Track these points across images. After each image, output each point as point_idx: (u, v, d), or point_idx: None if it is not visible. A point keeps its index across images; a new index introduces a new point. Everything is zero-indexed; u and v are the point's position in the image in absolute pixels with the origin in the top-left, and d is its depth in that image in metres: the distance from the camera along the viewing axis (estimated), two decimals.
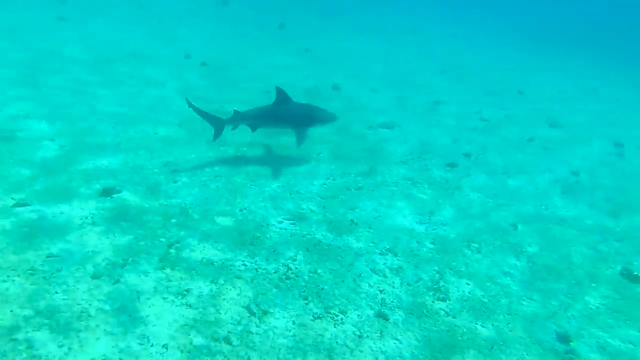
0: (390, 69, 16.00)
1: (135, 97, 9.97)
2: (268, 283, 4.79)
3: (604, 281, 5.64)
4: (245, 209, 6.12)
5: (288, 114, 7.32)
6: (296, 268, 5.05)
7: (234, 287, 4.66)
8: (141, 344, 3.82)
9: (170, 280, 4.63)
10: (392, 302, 4.83)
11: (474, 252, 5.95)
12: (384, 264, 5.43)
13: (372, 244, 5.76)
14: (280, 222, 5.90)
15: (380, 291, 4.96)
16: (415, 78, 15.21)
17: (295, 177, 7.20)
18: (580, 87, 16.89)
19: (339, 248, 5.54)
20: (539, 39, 26.38)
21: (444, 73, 16.20)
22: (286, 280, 4.84)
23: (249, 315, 4.34)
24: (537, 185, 8.17)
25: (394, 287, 5.06)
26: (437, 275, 5.37)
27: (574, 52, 23.90)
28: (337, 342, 4.16)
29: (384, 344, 4.26)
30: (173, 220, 5.64)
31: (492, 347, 4.41)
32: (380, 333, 4.38)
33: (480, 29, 26.24)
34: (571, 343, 4.59)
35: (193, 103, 7.25)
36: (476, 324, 4.71)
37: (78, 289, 4.33)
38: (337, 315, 4.46)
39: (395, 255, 5.62)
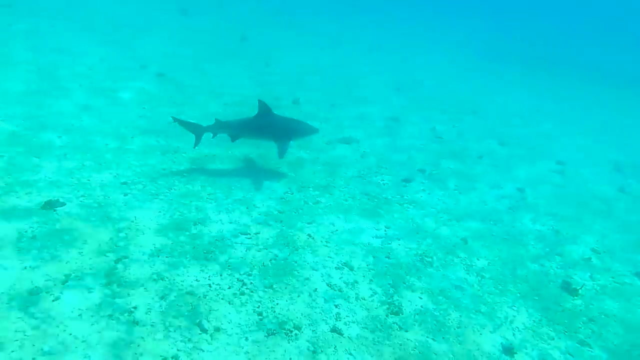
0: (349, 85, 16.29)
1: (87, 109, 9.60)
2: (221, 299, 4.70)
3: (546, 294, 5.93)
4: (199, 222, 6.00)
5: (269, 126, 7.41)
6: (251, 283, 4.99)
7: (186, 304, 4.54)
8: None
9: (115, 297, 4.44)
10: (347, 316, 4.86)
11: (426, 266, 6.10)
12: (340, 278, 5.47)
13: (328, 258, 5.79)
14: (236, 237, 5.82)
15: (336, 306, 4.98)
16: (374, 95, 15.57)
17: (252, 190, 7.15)
18: (530, 107, 17.86)
19: (295, 262, 5.52)
20: (495, 60, 27.78)
21: (398, 90, 16.66)
22: (240, 296, 4.76)
23: (200, 332, 4.23)
24: (486, 201, 8.52)
25: (349, 302, 5.10)
26: (391, 289, 5.46)
27: (526, 73, 25.30)
28: (289, 359, 4.13)
29: (338, 359, 4.27)
30: (121, 235, 5.44)
31: None
32: (334, 348, 4.40)
33: (440, 50, 27.31)
34: (515, 355, 4.78)
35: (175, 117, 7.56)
36: (427, 337, 4.82)
37: None
38: (291, 331, 4.44)
39: (352, 269, 5.67)
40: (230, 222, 6.12)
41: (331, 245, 6.08)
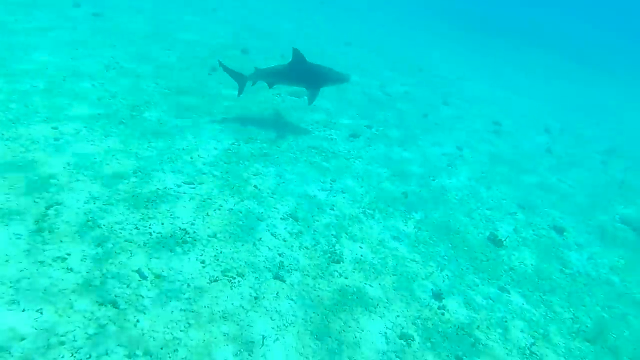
0: (300, 36, 15.90)
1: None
2: (162, 247, 4.67)
3: (474, 245, 6.41)
4: (140, 171, 5.81)
5: (303, 74, 7.79)
6: (194, 232, 4.99)
7: (123, 251, 4.47)
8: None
9: (46, 244, 4.29)
10: (289, 264, 5.02)
11: (368, 218, 6.35)
12: (285, 228, 5.58)
13: (274, 209, 5.86)
14: (179, 186, 5.71)
15: (279, 254, 5.12)
16: (324, 48, 15.32)
17: (197, 139, 6.97)
18: (474, 69, 18.42)
19: (240, 213, 5.55)
20: (446, 22, 28.04)
21: (349, 45, 16.51)
22: (183, 245, 4.76)
23: (139, 279, 4.21)
24: (428, 157, 8.88)
25: (292, 251, 5.25)
26: (333, 240, 5.67)
27: (477, 37, 25.85)
28: (232, 304, 4.25)
29: (279, 304, 4.44)
30: (53, 181, 5.17)
31: (377, 305, 4.84)
32: (276, 294, 4.55)
33: (390, 9, 27.04)
34: (443, 300, 5.20)
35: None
36: (365, 283, 5.10)
37: None
38: (234, 278, 4.53)
39: (296, 220, 5.80)
40: (173, 172, 5.98)
41: (277, 196, 6.14)
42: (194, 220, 5.16)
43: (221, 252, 4.81)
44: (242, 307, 4.26)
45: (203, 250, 4.78)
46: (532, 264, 6.26)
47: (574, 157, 10.98)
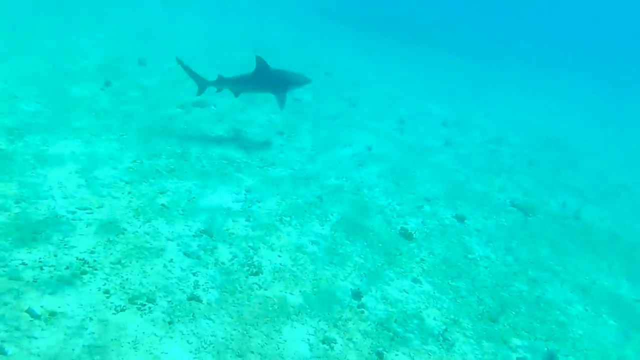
0: (203, 42, 15.48)
1: None
2: (57, 281, 4.24)
3: (388, 241, 6.68)
4: (24, 200, 5.21)
5: (268, 80, 7.95)
6: (94, 261, 4.60)
7: (8, 291, 3.98)
8: None
9: None
10: (206, 283, 4.84)
11: (285, 225, 6.35)
12: (198, 245, 5.37)
13: (185, 227, 5.62)
14: (73, 213, 5.23)
15: (194, 274, 4.91)
16: (224, 52, 15.07)
17: (91, 159, 6.44)
18: (376, 70, 19.26)
19: (148, 234, 5.24)
20: (346, 24, 28.97)
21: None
22: (81, 276, 4.36)
23: (31, 319, 3.78)
24: (340, 159, 9.11)
25: (208, 268, 5.07)
26: (251, 251, 5.57)
27: (376, 37, 27.01)
28: (143, 333, 3.98)
29: (196, 326, 4.26)
30: None
31: (299, 312, 4.85)
32: (192, 316, 4.36)
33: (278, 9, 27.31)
34: (362, 298, 5.36)
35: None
36: (286, 292, 5.09)
37: None
38: (143, 305, 4.26)
39: (211, 235, 5.61)
40: (65, 197, 5.46)
41: (188, 213, 5.89)
42: (94, 248, 4.76)
43: (127, 279, 4.49)
44: (155, 335, 4.02)
45: (106, 279, 4.42)
46: (439, 253, 6.69)
47: (468, 148, 11.96)
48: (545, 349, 5.25)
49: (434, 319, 5.35)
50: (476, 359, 4.90)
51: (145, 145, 7.33)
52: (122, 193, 5.88)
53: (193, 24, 17.74)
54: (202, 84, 8.15)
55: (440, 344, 4.97)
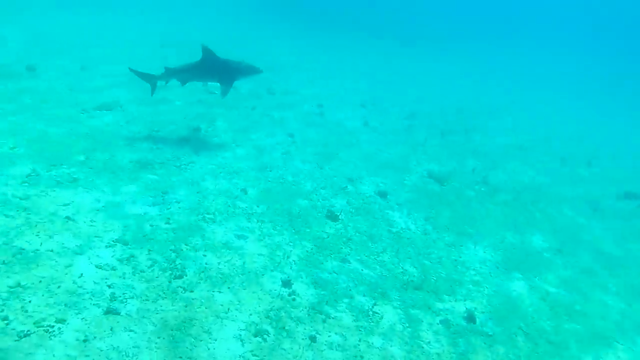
0: (114, 43, 14.48)
1: None
2: None
3: (315, 225, 6.75)
4: None
5: (215, 69, 7.94)
6: None
7: None
8: None
9: None
10: (123, 294, 4.57)
11: (209, 223, 6.16)
12: (112, 256, 5.05)
13: (95, 238, 5.24)
14: None
15: (109, 286, 4.61)
16: (135, 51, 14.23)
17: None
18: (308, 57, 19.21)
19: (51, 251, 4.82)
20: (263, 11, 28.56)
21: (163, 47, 15.63)
22: None
23: None
24: (263, 149, 9.00)
25: (124, 278, 4.79)
26: (173, 255, 5.35)
27: (297, 26, 26.90)
28: (54, 355, 3.68)
29: (116, 340, 4.02)
30: None
31: (228, 310, 4.75)
32: (110, 330, 4.11)
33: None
34: (293, 285, 5.37)
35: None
36: (213, 291, 4.95)
37: None
38: (51, 327, 3.93)
39: (126, 244, 5.29)
40: None
41: (98, 223, 5.50)
42: None
43: (30, 302, 4.11)
44: (69, 356, 3.73)
45: (3, 305, 4.01)
46: (365, 231, 6.89)
47: (386, 126, 12.39)
48: (464, 308, 5.62)
49: (364, 295, 5.51)
50: (404, 327, 5.13)
51: (41, 156, 6.71)
52: (17, 210, 5.34)
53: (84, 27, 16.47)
54: (152, 81, 8.18)
55: (370, 319, 5.14)
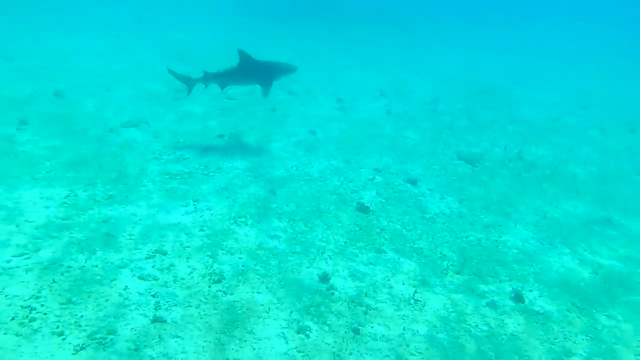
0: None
1: None
2: (4, 334, 3.96)
3: (346, 219, 6.72)
4: None
5: (253, 72, 8.15)
6: (42, 305, 4.32)
7: None
8: None
9: None
10: (167, 302, 4.68)
11: (241, 226, 6.23)
12: (153, 266, 5.18)
13: (136, 251, 5.39)
14: (8, 262, 4.88)
15: (153, 295, 4.73)
16: (155, 69, 14.52)
17: (17, 200, 6.02)
18: (318, 54, 19.19)
19: (96, 267, 4.98)
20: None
21: (182, 61, 15.89)
22: (29, 324, 4.09)
23: None
24: (287, 149, 9.04)
25: (167, 287, 4.90)
26: (210, 260, 5.43)
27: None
28: None
29: (164, 347, 4.12)
30: None
31: (269, 309, 4.79)
32: (159, 338, 4.21)
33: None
34: (330, 280, 5.36)
35: None
36: (253, 292, 5.00)
37: None
38: (104, 339, 4.06)
39: (164, 254, 5.42)
40: None
41: (136, 236, 5.65)
42: (39, 293, 4.47)
43: (82, 316, 4.26)
44: None
45: (58, 321, 4.17)
46: (398, 220, 6.80)
47: (410, 113, 12.21)
48: (511, 288, 5.46)
49: (403, 284, 5.44)
50: (448, 313, 5.03)
51: (75, 176, 6.94)
52: (59, 230, 5.55)
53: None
54: (189, 83, 8.40)
55: (413, 307, 5.07)
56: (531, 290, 5.52)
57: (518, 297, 5.28)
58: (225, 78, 8.26)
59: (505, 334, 4.81)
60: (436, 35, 27.73)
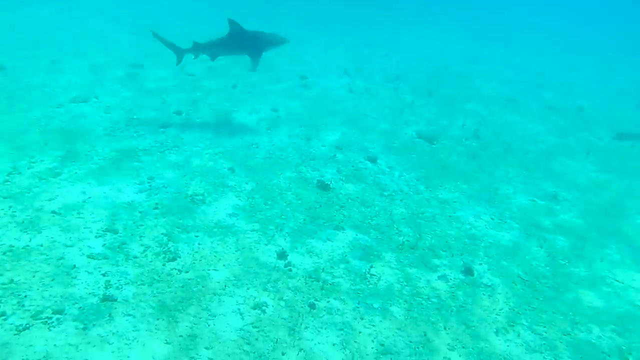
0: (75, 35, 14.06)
1: None
2: None
3: (307, 196, 6.71)
4: None
5: (243, 42, 7.99)
6: None
7: None
8: None
9: None
10: (118, 280, 4.56)
11: (199, 204, 6.12)
12: (103, 245, 5.02)
13: (84, 229, 5.20)
14: None
15: (103, 274, 4.60)
16: (109, 39, 13.83)
17: None
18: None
19: (41, 246, 4.78)
20: None
21: (133, 34, 15.19)
22: None
23: None
24: (248, 127, 8.88)
25: (118, 266, 4.77)
26: (165, 238, 5.32)
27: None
28: (54, 345, 3.69)
29: (115, 326, 4.03)
30: None
31: (225, 286, 4.76)
32: (109, 316, 4.11)
33: None
34: (288, 256, 5.36)
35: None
36: (209, 270, 4.95)
37: None
38: (49, 318, 3.93)
39: (116, 232, 5.26)
40: None
41: (85, 215, 5.44)
42: None
43: (25, 296, 4.10)
44: (70, 344, 3.74)
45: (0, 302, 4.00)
46: (357, 197, 6.86)
47: (372, 91, 12.23)
48: (462, 262, 5.66)
49: (360, 259, 5.52)
50: (402, 286, 5.17)
51: (20, 154, 6.58)
52: (2, 209, 5.27)
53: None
54: (179, 53, 8.16)
55: (368, 281, 5.17)
56: (480, 264, 5.74)
57: (468, 271, 5.48)
58: (215, 48, 8.08)
59: (454, 306, 4.99)
60: (406, 16, 27.74)
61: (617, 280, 5.93)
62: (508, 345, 4.60)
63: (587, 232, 6.95)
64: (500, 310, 5.05)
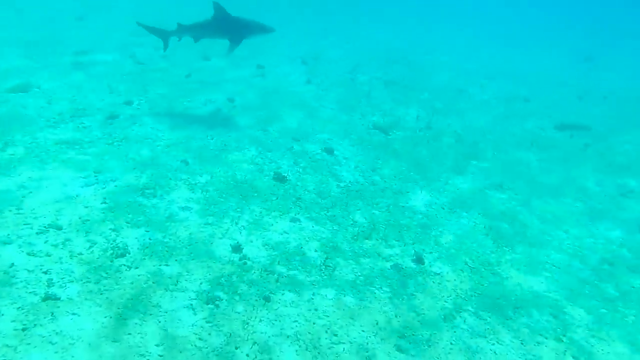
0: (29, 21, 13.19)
1: None
2: None
3: (263, 189, 6.64)
4: None
5: (226, 26, 8.01)
6: None
7: None
8: None
9: None
10: (62, 278, 4.36)
11: (149, 198, 5.93)
12: (46, 242, 4.77)
13: (25, 226, 4.92)
14: None
15: (45, 272, 4.38)
16: (55, 26, 13.05)
17: None
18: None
19: None
20: None
21: (81, 19, 14.43)
22: None
23: None
24: (202, 118, 8.67)
25: (62, 263, 4.55)
26: (113, 234, 5.12)
27: None
28: None
29: (58, 325, 3.85)
30: None
31: (177, 281, 4.65)
32: (51, 315, 3.93)
33: None
34: (243, 250, 5.30)
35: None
36: (160, 265, 4.82)
37: None
38: None
39: (59, 229, 5.01)
40: None
41: (25, 210, 5.15)
42: None
43: None
44: (8, 346, 3.55)
45: None
46: (313, 188, 6.87)
47: (329, 81, 12.25)
48: (413, 251, 5.80)
49: (315, 250, 5.54)
50: (356, 277, 5.24)
51: None
52: None
53: None
54: (165, 37, 8.21)
55: (323, 272, 5.20)
56: (431, 252, 5.91)
57: (419, 260, 5.64)
58: (198, 30, 8.09)
59: (405, 294, 5.12)
60: (366, 7, 27.86)
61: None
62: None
63: (526, 217, 7.30)
64: (448, 297, 5.22)
